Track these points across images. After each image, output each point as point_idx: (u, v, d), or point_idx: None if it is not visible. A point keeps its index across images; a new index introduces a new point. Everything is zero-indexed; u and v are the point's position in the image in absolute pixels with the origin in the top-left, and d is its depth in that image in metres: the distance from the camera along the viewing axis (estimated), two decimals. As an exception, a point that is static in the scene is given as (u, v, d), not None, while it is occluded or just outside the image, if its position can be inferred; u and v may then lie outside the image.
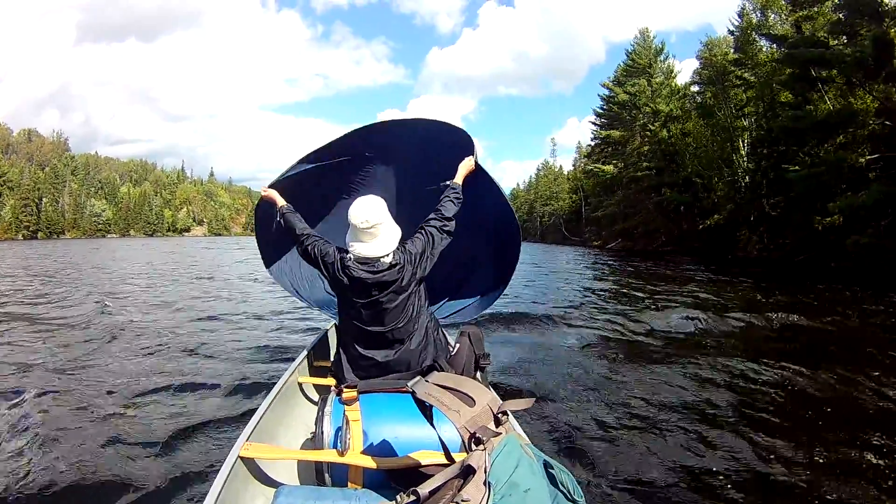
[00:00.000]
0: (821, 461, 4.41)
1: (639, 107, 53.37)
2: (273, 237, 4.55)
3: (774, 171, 34.23)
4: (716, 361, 7.57)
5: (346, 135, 4.19)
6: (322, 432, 2.81)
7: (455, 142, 3.96)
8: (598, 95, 63.29)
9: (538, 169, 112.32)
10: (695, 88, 50.14)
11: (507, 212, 4.21)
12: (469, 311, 4.84)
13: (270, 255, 4.95)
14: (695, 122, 44.76)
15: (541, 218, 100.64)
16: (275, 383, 3.74)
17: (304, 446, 3.37)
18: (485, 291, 4.75)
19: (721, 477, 4.20)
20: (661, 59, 54.81)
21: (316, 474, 2.83)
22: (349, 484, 2.70)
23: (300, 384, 4.09)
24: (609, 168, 58.62)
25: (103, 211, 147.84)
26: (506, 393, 5.69)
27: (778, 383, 6.63)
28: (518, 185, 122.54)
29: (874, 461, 4.37)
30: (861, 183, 25.02)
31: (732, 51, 41.77)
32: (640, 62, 54.76)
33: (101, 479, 3.96)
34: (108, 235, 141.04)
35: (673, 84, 53.58)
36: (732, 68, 40.72)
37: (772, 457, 4.52)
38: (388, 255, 3.31)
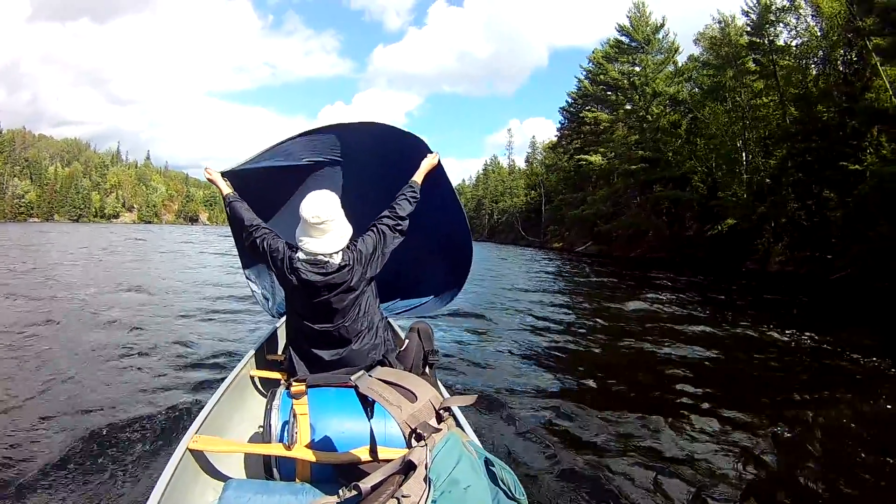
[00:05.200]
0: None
1: (636, 86, 46.93)
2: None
3: (803, 170, 29.77)
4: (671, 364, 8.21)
5: (302, 134, 4.12)
6: (270, 426, 2.83)
7: (410, 147, 4.01)
8: (575, 77, 58.00)
9: (486, 164, 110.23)
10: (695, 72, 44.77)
11: (460, 216, 4.43)
12: (422, 310, 5.07)
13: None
14: (711, 108, 38.71)
15: (490, 215, 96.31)
16: (226, 376, 3.77)
17: (254, 439, 3.31)
18: (438, 292, 4.98)
19: (663, 477, 4.40)
20: (661, 35, 48.33)
21: (264, 468, 2.82)
22: (297, 478, 2.70)
23: (252, 377, 4.08)
24: (596, 158, 51.92)
25: (26, 192, 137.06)
26: (453, 390, 5.97)
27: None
28: (463, 181, 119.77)
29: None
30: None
31: (745, 35, 36.67)
32: (637, 37, 48.13)
33: (48, 470, 4.03)
34: (31, 219, 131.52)
35: (676, 62, 47.57)
36: (746, 53, 35.99)
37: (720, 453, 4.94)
38: (337, 254, 3.29)
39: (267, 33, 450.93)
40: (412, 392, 2.21)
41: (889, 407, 6.70)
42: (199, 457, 2.74)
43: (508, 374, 7.35)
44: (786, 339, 10.48)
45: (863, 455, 5.17)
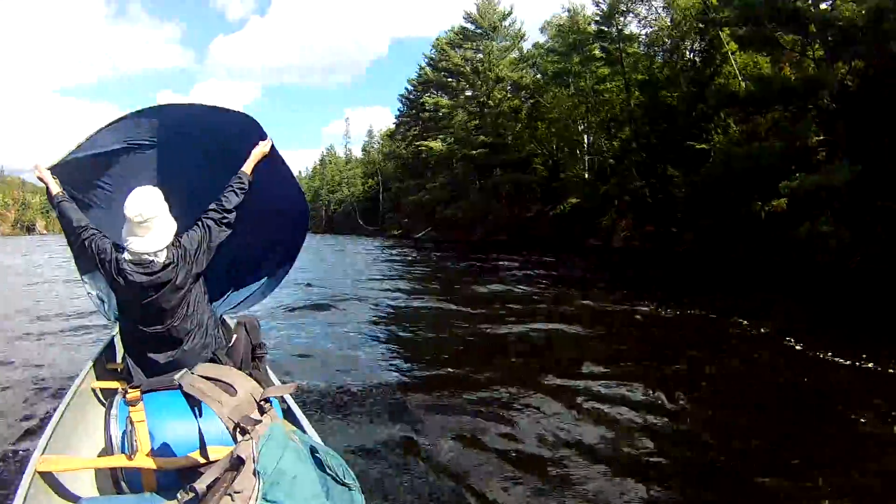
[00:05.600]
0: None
1: (479, 72, 47.42)
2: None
3: (647, 151, 31.54)
4: (482, 334, 8.94)
5: (124, 118, 3.88)
6: (111, 437, 2.78)
7: (240, 128, 3.86)
8: (417, 64, 58.03)
9: (323, 155, 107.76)
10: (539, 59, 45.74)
11: (298, 194, 4.40)
12: (256, 296, 4.96)
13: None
14: (554, 92, 40.22)
15: (327, 207, 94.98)
16: (66, 390, 3.67)
17: (102, 454, 3.05)
18: (270, 275, 4.87)
19: (488, 456, 4.39)
20: (507, 23, 49.23)
21: (113, 482, 2.76)
22: (144, 488, 2.65)
23: (93, 389, 3.93)
24: (436, 144, 51.95)
25: None
26: (284, 380, 5.31)
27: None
28: (300, 172, 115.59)
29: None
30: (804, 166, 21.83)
31: (594, 24, 37.84)
32: (483, 24, 48.61)
33: None
34: None
35: (521, 49, 48.79)
36: (593, 41, 37.27)
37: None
38: (162, 252, 3.22)
39: (111, 23, 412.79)
40: (231, 386, 2.19)
41: (754, 366, 7.38)
42: (48, 478, 2.62)
43: (353, 363, 7.35)
44: (647, 309, 11.04)
45: (745, 416, 5.56)
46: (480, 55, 48.62)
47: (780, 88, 22.19)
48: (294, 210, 4.42)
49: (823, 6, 22.03)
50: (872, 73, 20.68)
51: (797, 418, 5.48)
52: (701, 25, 29.43)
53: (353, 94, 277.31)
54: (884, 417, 5.28)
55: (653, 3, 33.71)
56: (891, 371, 6.61)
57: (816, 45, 22.58)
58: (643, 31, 34.97)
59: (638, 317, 10.44)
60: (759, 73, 25.27)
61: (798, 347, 7.80)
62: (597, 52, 36.99)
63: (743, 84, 25.67)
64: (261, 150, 3.73)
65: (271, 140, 3.80)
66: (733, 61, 27.15)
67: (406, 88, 64.11)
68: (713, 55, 28.89)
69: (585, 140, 37.93)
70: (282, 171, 4.06)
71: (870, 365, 6.83)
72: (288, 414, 3.16)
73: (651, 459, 4.43)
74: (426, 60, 57.13)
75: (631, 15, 34.98)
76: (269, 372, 3.93)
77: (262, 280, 4.91)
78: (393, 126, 71.47)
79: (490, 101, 46.34)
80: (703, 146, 26.18)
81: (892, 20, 18.79)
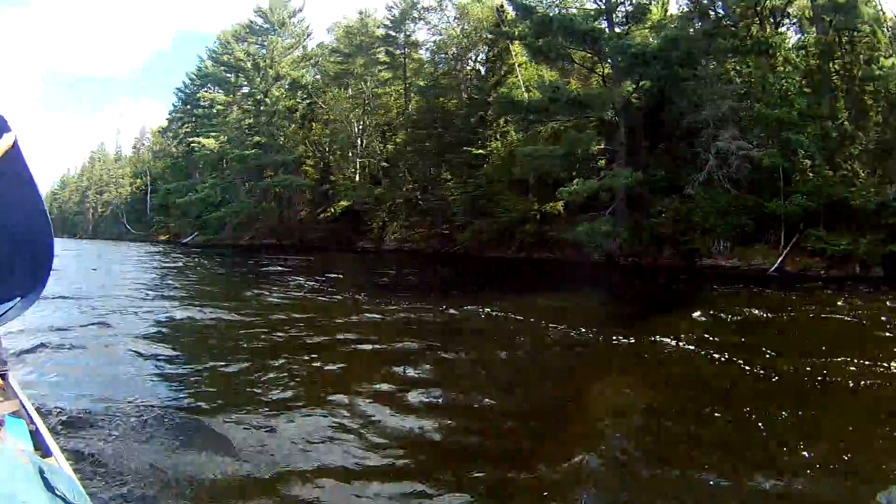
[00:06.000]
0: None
1: (259, 68, 45.09)
2: None
3: (422, 155, 32.07)
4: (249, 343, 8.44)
5: None
6: None
7: None
8: (198, 56, 54.71)
9: (93, 152, 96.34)
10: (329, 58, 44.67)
11: (37, 204, 4.16)
12: (15, 311, 4.48)
13: None
14: (333, 94, 39.57)
15: (94, 209, 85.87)
16: None
17: None
18: (26, 286, 4.44)
19: (250, 457, 4.33)
20: (296, 21, 47.57)
21: None
22: None
23: None
24: (209, 142, 47.91)
25: None
26: (39, 400, 5.17)
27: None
28: (68, 170, 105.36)
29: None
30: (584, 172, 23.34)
31: (382, 28, 38.08)
32: (272, 19, 46.49)
33: None
34: None
35: (305, 47, 47.56)
36: (379, 44, 37.75)
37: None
38: None
39: None
40: None
41: (519, 352, 8.06)
42: None
43: (122, 379, 6.68)
44: (410, 307, 11.46)
45: (517, 397, 6.03)
46: (264, 51, 46.53)
47: (567, 100, 23.07)
48: (34, 212, 4.08)
49: (618, 30, 23.30)
50: (658, 93, 22.55)
51: (559, 391, 6.30)
52: (491, 37, 30.14)
53: (131, 86, 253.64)
54: (641, 379, 6.47)
55: (445, 12, 34.28)
56: (638, 343, 8.00)
57: (606, 64, 23.76)
58: (431, 39, 35.52)
59: (398, 315, 10.67)
60: (547, 85, 26.10)
61: (572, 333, 8.73)
62: (381, 55, 37.11)
63: (526, 95, 26.30)
64: (4, 143, 3.51)
65: (15, 135, 3.58)
66: (519, 73, 27.98)
67: (184, 83, 59.40)
68: (499, 66, 29.62)
69: (359, 143, 37.80)
70: (21, 171, 3.87)
71: (626, 341, 8.13)
72: (35, 435, 2.88)
73: (434, 447, 4.58)
74: (208, 54, 53.47)
75: (422, 22, 35.46)
76: (18, 389, 3.64)
77: (18, 292, 4.45)
78: (166, 122, 66.31)
79: (267, 99, 44.30)
80: (481, 151, 26.95)
81: (681, 49, 20.67)
